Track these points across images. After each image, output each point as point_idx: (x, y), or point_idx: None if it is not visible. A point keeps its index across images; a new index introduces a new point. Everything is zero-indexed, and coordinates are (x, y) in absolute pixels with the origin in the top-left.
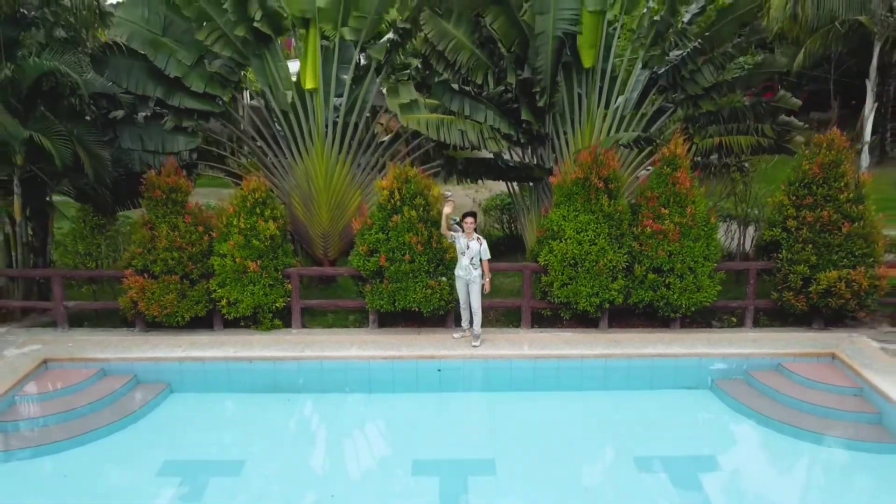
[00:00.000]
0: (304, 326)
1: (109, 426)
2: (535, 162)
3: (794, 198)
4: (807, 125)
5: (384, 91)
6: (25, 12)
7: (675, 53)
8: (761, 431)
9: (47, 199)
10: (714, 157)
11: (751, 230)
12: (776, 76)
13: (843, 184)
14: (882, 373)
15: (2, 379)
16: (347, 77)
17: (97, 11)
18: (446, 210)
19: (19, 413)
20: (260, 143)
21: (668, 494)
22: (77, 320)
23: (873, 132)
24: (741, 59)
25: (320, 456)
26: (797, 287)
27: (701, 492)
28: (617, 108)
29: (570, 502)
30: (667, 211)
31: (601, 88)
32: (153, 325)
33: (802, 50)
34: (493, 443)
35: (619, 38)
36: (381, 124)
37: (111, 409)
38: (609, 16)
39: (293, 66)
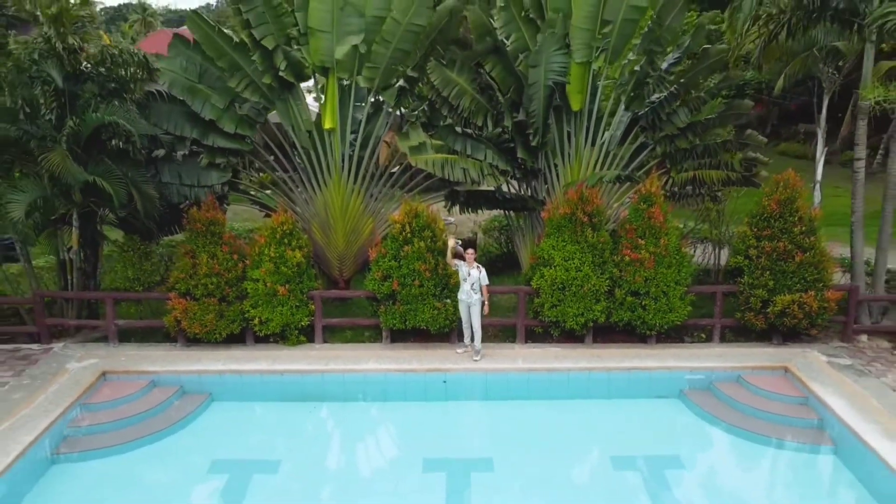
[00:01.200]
0: (325, 341)
1: (162, 431)
2: (530, 193)
3: (755, 229)
4: (801, 136)
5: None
6: (84, 69)
7: (654, 97)
8: (721, 435)
9: (98, 229)
10: (689, 188)
11: (725, 251)
12: (764, 91)
13: (797, 218)
14: (825, 384)
15: (69, 390)
16: (361, 116)
17: (146, 66)
18: (451, 243)
19: (86, 420)
20: (282, 174)
21: (639, 488)
22: (125, 336)
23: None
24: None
25: (343, 455)
26: (757, 308)
27: (666, 485)
28: (602, 144)
29: (557, 494)
30: (643, 242)
31: (588, 128)
32: (193, 341)
33: (782, 76)
34: (492, 444)
35: (603, 84)
36: (387, 142)
37: (163, 417)
38: (594, 66)
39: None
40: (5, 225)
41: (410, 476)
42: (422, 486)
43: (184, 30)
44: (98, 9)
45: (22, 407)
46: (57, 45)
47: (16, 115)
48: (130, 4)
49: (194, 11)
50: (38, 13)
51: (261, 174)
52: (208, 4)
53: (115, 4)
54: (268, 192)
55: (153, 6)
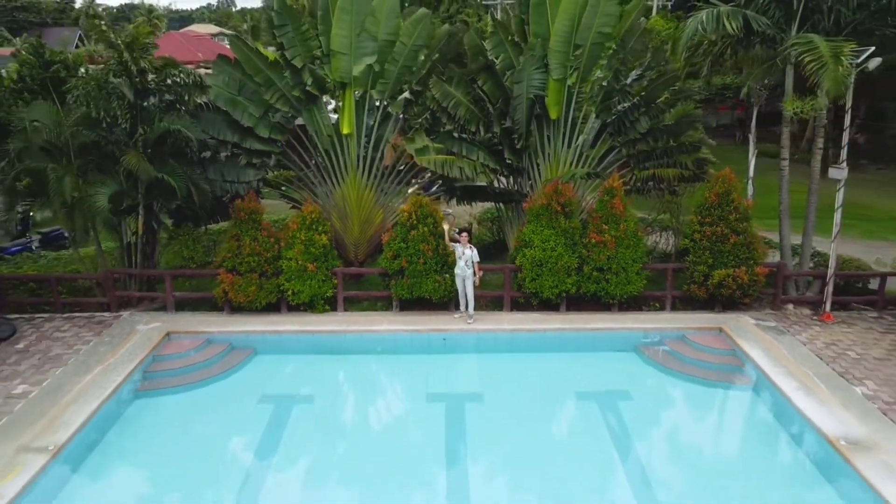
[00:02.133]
0: (345, 310)
1: (218, 376)
2: (516, 188)
3: (699, 217)
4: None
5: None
6: (149, 86)
7: (619, 107)
8: (664, 377)
9: (157, 217)
10: (651, 183)
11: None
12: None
13: (732, 207)
14: (749, 341)
15: (143, 346)
16: (374, 122)
17: (199, 83)
18: (445, 227)
19: (160, 367)
20: (306, 171)
21: (596, 413)
22: (179, 306)
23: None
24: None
25: (363, 391)
26: (699, 281)
27: (618, 412)
28: (576, 147)
29: (533, 418)
30: (606, 227)
31: (564, 133)
32: (237, 309)
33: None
34: (482, 384)
35: (576, 96)
36: (394, 145)
37: (218, 366)
38: (569, 82)
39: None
40: (57, 218)
41: (417, 405)
42: (427, 412)
43: (186, 32)
44: (101, 9)
45: (108, 357)
46: (131, 66)
47: (97, 124)
48: (132, 5)
49: (236, 36)
50: (117, 40)
51: (282, 171)
52: (209, 4)
53: (117, 4)
54: (283, 188)
55: (157, 7)
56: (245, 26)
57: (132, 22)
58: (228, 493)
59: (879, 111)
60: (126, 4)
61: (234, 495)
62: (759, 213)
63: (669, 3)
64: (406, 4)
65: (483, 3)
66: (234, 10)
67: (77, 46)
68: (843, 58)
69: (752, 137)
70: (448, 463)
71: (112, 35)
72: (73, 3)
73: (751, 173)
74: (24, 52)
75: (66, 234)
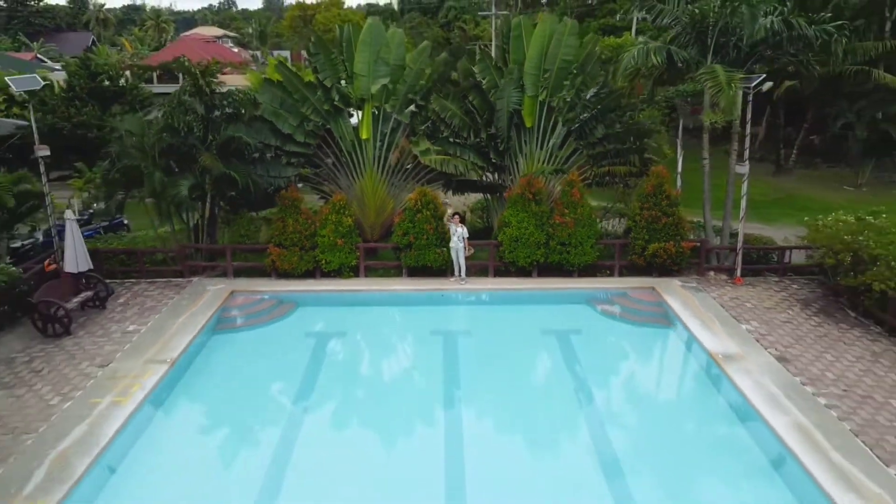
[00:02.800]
0: (366, 276)
1: (271, 321)
2: (499, 181)
3: (640, 203)
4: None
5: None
6: (215, 103)
7: (581, 117)
8: (607, 320)
9: (218, 204)
10: (607, 178)
11: None
12: None
13: (664, 196)
14: (673, 296)
15: (214, 300)
16: (387, 129)
17: (253, 100)
18: (449, 212)
19: (229, 315)
20: (332, 168)
21: (555, 342)
22: (237, 273)
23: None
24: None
25: (382, 330)
26: (639, 252)
27: (570, 343)
28: (547, 149)
29: (506, 346)
30: (567, 211)
31: (537, 138)
32: (282, 275)
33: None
34: (471, 325)
35: (546, 109)
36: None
37: (272, 314)
38: (540, 98)
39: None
40: (109, 206)
41: (422, 338)
42: (430, 342)
43: (194, 35)
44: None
45: (190, 308)
46: (203, 88)
47: (178, 132)
48: (134, 6)
49: (280, 62)
50: (193, 69)
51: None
52: (210, 6)
53: (121, 5)
54: (315, 181)
55: (160, 9)
56: (250, 30)
57: (138, 24)
58: (285, 393)
59: (823, 116)
60: (129, 6)
61: (291, 394)
62: (692, 201)
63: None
64: (407, 10)
65: (478, 14)
66: (234, 10)
67: (90, 50)
68: (734, 83)
69: (679, 141)
70: (445, 371)
71: (188, 64)
72: (86, 7)
73: (679, 169)
74: (73, 65)
75: (126, 222)
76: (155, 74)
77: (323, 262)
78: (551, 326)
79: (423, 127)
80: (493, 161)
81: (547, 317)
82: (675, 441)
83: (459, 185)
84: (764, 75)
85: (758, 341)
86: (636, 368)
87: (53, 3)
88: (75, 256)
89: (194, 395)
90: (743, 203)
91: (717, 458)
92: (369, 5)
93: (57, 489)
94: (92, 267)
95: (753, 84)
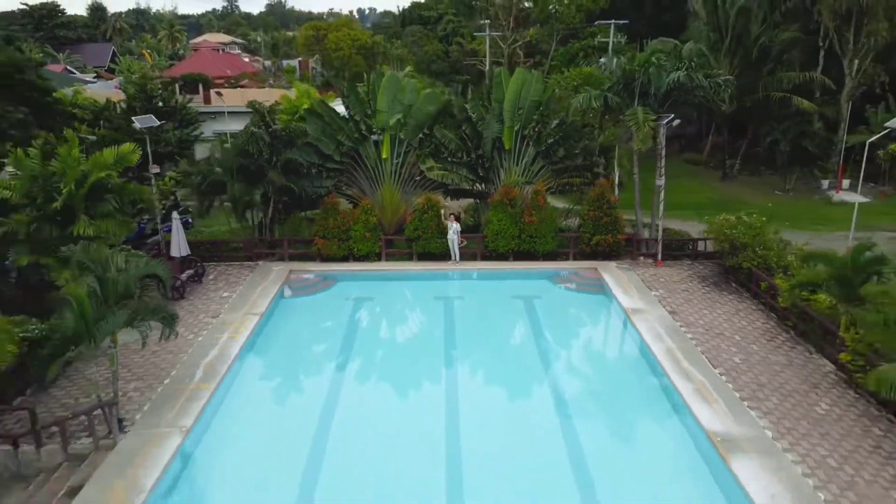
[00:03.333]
0: (386, 260)
1: (320, 290)
2: (486, 190)
3: (588, 206)
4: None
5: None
6: (278, 133)
7: (547, 142)
8: (561, 290)
9: (277, 207)
10: (568, 187)
11: None
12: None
13: (605, 202)
14: (609, 273)
15: (279, 277)
16: (401, 151)
17: (304, 131)
18: (443, 213)
19: (292, 287)
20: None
21: (521, 304)
22: (291, 258)
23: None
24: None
25: (398, 294)
26: (587, 242)
27: (532, 305)
28: (521, 166)
29: (488, 306)
30: (535, 213)
31: (514, 157)
32: (325, 259)
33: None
34: (464, 292)
35: (520, 136)
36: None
37: (319, 285)
38: (515, 127)
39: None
40: (202, 209)
41: (427, 301)
42: (432, 305)
43: (204, 42)
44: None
45: (263, 282)
46: (269, 122)
47: (251, 155)
48: (139, 9)
49: (322, 101)
50: (261, 109)
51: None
52: (214, 9)
53: (126, 8)
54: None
55: (164, 10)
56: (258, 38)
57: (147, 30)
58: (333, 333)
59: (756, 134)
60: (134, 9)
61: (337, 335)
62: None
63: (622, 40)
64: (407, 24)
65: (473, 33)
66: (238, 14)
67: (112, 60)
68: (647, 123)
69: (615, 161)
70: (444, 323)
71: (258, 106)
72: (105, 17)
73: (616, 181)
74: (130, 88)
75: (190, 220)
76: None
77: (355, 249)
78: (521, 294)
79: (428, 149)
80: (481, 175)
81: (518, 288)
82: (594, 358)
83: (455, 193)
84: (672, 115)
85: (659, 302)
86: (575, 318)
87: (71, 11)
88: (178, 244)
89: (277, 334)
90: (661, 207)
91: (618, 368)
92: (375, 25)
93: (212, 380)
94: (190, 252)
95: (665, 122)
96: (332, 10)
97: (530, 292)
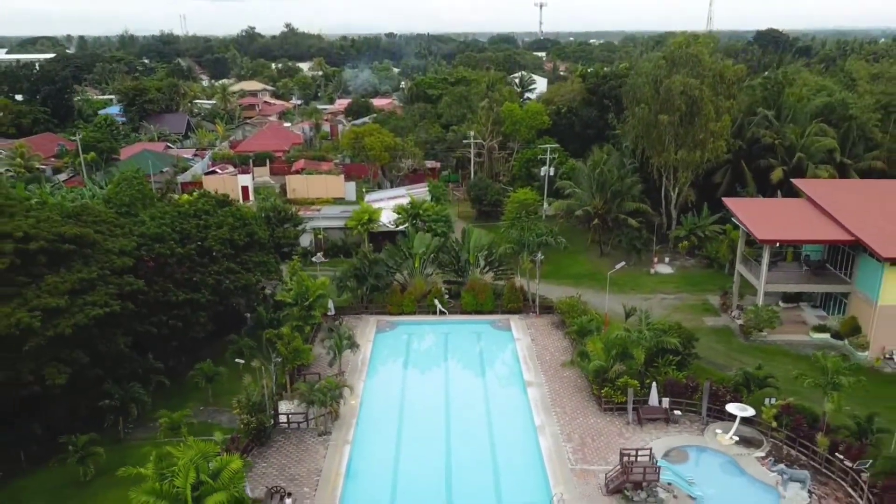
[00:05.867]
0: (417, 314)
1: (392, 328)
2: (463, 280)
3: (507, 293)
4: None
5: None
6: None
7: (490, 262)
8: (491, 329)
9: (368, 287)
10: (500, 277)
11: None
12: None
13: (514, 289)
14: (513, 321)
15: (374, 322)
16: (424, 262)
17: (383, 259)
18: (441, 293)
19: (379, 327)
20: None
21: (476, 331)
22: (378, 313)
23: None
24: None
25: (425, 329)
26: (505, 307)
27: (481, 332)
28: (479, 269)
29: (463, 333)
30: (483, 293)
31: (476, 267)
32: (391, 314)
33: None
34: (452, 327)
35: (478, 258)
36: None
37: (391, 326)
38: (475, 255)
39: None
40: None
41: (437, 330)
42: (440, 329)
43: (240, 92)
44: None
45: (366, 325)
46: (367, 262)
47: (359, 269)
48: (171, 35)
49: (388, 249)
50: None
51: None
52: (229, 34)
53: (150, 35)
54: None
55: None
56: (291, 85)
57: (192, 79)
58: (402, 347)
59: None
60: (163, 35)
61: (403, 348)
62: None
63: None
64: (414, 101)
65: (463, 139)
66: (259, 39)
67: (188, 126)
68: (527, 261)
69: (520, 268)
70: (445, 339)
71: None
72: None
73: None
74: (267, 209)
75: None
76: (252, 160)
77: (404, 309)
78: (475, 329)
79: (436, 261)
80: (460, 275)
81: (474, 326)
82: (496, 352)
83: (449, 281)
84: (540, 255)
85: (530, 335)
86: (495, 338)
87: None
88: (332, 307)
89: (380, 349)
90: (538, 286)
91: (505, 357)
92: (390, 113)
93: (361, 371)
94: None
95: (537, 258)
96: (345, 37)
97: (480, 329)
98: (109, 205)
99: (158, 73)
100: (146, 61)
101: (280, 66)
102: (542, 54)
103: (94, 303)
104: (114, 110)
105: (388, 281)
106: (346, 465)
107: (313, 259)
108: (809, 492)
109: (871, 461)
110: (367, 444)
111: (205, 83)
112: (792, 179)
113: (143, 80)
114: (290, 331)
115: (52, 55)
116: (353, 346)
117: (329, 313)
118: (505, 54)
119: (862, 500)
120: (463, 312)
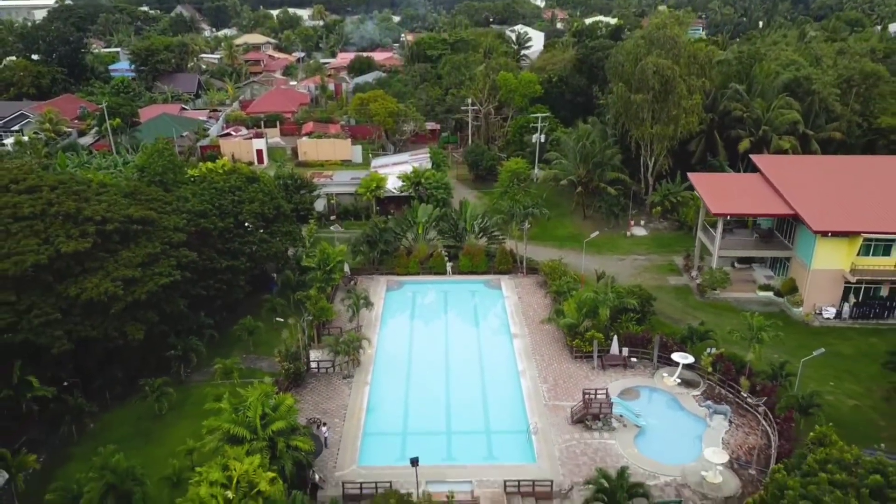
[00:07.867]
0: (421, 274)
1: (400, 287)
2: (460, 245)
3: (498, 256)
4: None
5: None
6: None
7: (485, 229)
8: (485, 288)
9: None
10: (493, 242)
11: None
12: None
13: (505, 252)
14: (503, 281)
15: (384, 281)
16: (427, 227)
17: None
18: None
19: (389, 286)
20: None
21: (471, 290)
22: (388, 274)
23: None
24: None
25: (429, 287)
26: (497, 268)
27: (474, 290)
28: (475, 235)
29: (460, 291)
30: (478, 256)
31: (472, 234)
32: (399, 275)
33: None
34: (451, 285)
35: (474, 226)
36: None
37: (398, 286)
38: (472, 223)
39: None
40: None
41: (438, 288)
42: (439, 288)
43: (269, 78)
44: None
45: (378, 284)
46: (380, 229)
47: (373, 234)
48: (179, 17)
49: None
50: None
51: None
52: None
53: (172, 14)
54: None
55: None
56: (296, 40)
57: (201, 37)
58: (408, 301)
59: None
60: (175, 17)
61: (409, 301)
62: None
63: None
64: (414, 61)
65: (462, 106)
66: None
67: (199, 87)
68: (516, 227)
69: (511, 231)
70: (445, 295)
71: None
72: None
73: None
74: (285, 175)
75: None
76: (263, 121)
77: (410, 270)
78: (471, 287)
79: (437, 228)
80: (457, 240)
81: (471, 285)
82: (488, 307)
83: (448, 246)
84: (528, 220)
85: (518, 294)
86: (488, 296)
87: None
88: (347, 269)
89: (390, 306)
90: (525, 248)
91: (495, 311)
92: (393, 71)
93: (375, 324)
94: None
95: (524, 223)
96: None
97: (475, 287)
98: (143, 174)
99: (161, 24)
100: (146, 9)
101: (281, 14)
102: (541, 2)
103: (160, 273)
104: (123, 66)
105: (395, 245)
106: (367, 402)
107: (332, 228)
108: (730, 422)
109: (765, 398)
110: (383, 385)
111: (206, 33)
112: (751, 155)
113: (152, 37)
114: (317, 292)
115: (52, 2)
116: (369, 304)
117: (346, 276)
118: (504, 2)
119: (770, 428)
120: (460, 272)
